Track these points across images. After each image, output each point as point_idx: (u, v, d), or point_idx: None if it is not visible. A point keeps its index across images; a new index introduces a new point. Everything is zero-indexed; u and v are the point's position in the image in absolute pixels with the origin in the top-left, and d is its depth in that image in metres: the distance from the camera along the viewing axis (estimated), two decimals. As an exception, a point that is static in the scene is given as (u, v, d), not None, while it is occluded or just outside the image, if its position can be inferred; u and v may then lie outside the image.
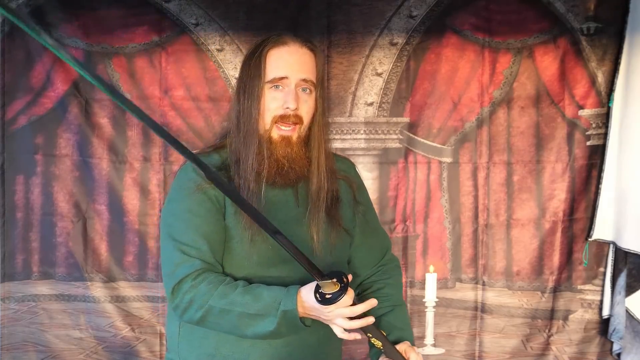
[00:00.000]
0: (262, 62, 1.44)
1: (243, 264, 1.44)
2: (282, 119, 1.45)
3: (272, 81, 1.45)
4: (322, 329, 1.40)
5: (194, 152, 1.38)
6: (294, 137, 1.47)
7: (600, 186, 2.95)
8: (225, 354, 1.45)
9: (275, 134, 1.46)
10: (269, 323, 1.34)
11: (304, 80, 1.46)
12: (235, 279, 1.42)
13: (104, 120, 2.96)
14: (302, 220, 1.48)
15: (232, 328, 1.39)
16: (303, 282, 1.38)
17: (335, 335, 1.38)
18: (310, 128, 1.50)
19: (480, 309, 3.03)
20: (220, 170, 1.45)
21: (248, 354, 1.44)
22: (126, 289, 3.00)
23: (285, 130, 1.46)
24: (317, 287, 1.33)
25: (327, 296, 1.30)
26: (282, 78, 1.44)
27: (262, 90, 1.44)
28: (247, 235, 1.41)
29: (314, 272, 1.30)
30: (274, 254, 1.42)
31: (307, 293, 1.34)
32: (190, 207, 1.42)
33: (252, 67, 1.45)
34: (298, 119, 1.46)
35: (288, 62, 1.45)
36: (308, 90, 1.47)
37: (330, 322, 1.35)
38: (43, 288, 3.01)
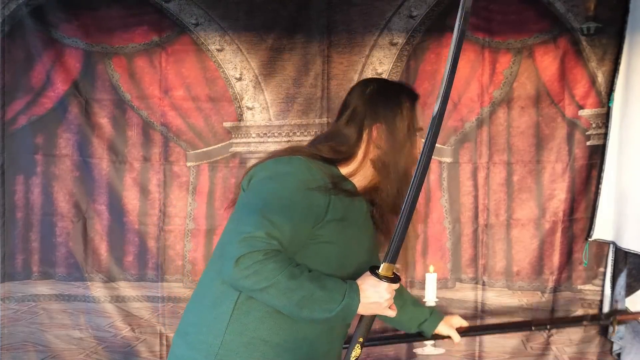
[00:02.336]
0: (415, 113, 1.69)
1: (322, 263, 1.54)
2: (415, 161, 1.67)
3: (418, 129, 1.69)
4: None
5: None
6: None
7: (600, 186, 2.95)
8: (278, 342, 1.51)
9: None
10: (328, 311, 1.46)
11: None
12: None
13: (104, 120, 2.96)
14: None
15: (287, 305, 1.46)
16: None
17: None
18: None
19: (480, 309, 3.03)
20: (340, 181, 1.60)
21: (300, 346, 1.53)
22: (126, 289, 3.00)
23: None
24: (372, 273, 1.52)
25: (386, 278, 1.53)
26: (420, 129, 1.70)
27: (415, 135, 1.68)
28: (343, 240, 1.57)
29: (395, 255, 1.52)
30: (348, 267, 1.59)
31: (365, 282, 1.51)
32: (292, 195, 1.49)
33: (407, 116, 1.66)
34: None
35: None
36: None
37: (383, 304, 1.52)
38: (43, 288, 3.01)
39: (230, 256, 1.43)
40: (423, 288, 3.00)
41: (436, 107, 1.46)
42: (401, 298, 1.90)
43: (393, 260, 1.53)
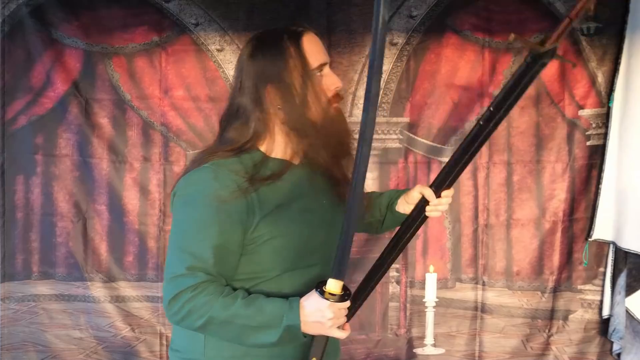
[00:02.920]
0: (304, 53, 1.43)
1: (279, 260, 1.44)
2: (335, 98, 1.48)
3: (317, 69, 1.45)
4: None
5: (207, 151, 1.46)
6: None
7: (600, 186, 2.95)
8: (258, 352, 1.44)
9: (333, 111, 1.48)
10: (271, 335, 1.37)
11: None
12: (256, 284, 1.44)
13: (104, 120, 2.96)
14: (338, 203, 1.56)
15: (232, 338, 1.40)
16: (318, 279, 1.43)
17: None
18: None
19: (480, 309, 3.03)
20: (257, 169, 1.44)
21: (281, 350, 1.45)
22: (126, 289, 3.00)
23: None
24: (318, 289, 1.38)
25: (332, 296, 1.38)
26: (324, 64, 1.47)
27: (315, 77, 1.45)
28: (291, 226, 1.44)
29: (340, 268, 1.36)
30: (310, 246, 1.47)
31: (307, 298, 1.39)
32: (207, 216, 1.38)
33: (295, 63, 1.42)
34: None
35: (321, 48, 1.47)
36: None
37: (326, 325, 1.38)
38: (43, 288, 3.01)
39: (164, 300, 1.39)
40: (423, 288, 3.01)
41: (364, 111, 1.24)
42: (374, 203, 1.73)
43: (339, 276, 1.37)
